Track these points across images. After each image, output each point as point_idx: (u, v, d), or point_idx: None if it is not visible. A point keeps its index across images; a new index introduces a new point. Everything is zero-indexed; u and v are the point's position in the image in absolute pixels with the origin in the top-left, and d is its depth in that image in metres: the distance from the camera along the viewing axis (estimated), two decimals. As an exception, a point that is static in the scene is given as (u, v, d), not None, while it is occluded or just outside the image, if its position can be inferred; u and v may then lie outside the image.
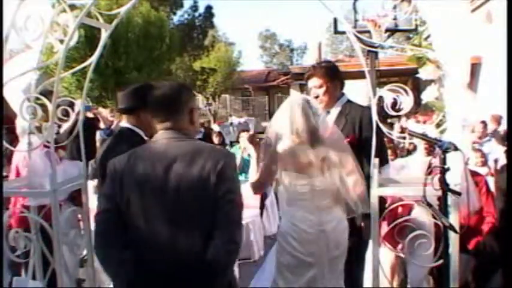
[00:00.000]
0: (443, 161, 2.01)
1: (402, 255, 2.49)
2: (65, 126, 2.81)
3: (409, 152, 6.19)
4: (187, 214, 1.83)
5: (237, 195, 1.88)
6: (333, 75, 2.93)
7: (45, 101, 2.43)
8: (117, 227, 1.88)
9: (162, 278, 1.84)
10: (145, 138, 2.68)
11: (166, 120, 1.93)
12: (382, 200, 2.44)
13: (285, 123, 2.51)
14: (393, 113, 2.34)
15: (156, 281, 1.85)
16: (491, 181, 3.92)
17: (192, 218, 1.83)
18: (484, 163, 5.75)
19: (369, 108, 2.75)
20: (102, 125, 8.31)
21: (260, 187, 2.71)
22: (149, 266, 1.85)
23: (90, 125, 7.31)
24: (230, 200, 1.84)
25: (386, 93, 2.30)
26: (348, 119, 2.86)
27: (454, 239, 2.17)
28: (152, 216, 1.84)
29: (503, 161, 5.55)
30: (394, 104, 2.30)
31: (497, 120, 7.51)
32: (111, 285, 2.07)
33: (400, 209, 2.62)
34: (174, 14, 21.52)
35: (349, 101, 2.98)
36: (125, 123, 2.71)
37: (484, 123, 7.14)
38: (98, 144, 6.16)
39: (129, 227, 1.88)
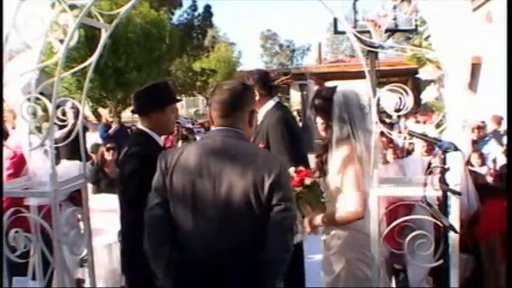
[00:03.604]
0: (443, 161, 2.01)
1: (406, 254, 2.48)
2: (63, 129, 2.82)
3: (409, 153, 6.20)
4: (237, 215, 1.82)
5: (291, 204, 1.87)
6: (255, 83, 3.07)
7: (45, 101, 2.43)
8: (167, 223, 1.89)
9: (206, 276, 1.83)
10: (159, 139, 2.71)
11: (225, 117, 1.91)
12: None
13: None
14: (393, 113, 2.34)
15: (199, 279, 1.84)
16: (490, 181, 3.93)
17: (241, 220, 1.82)
18: (483, 163, 5.76)
19: (276, 115, 3.09)
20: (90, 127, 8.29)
21: None
22: (194, 263, 1.84)
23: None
24: (284, 209, 1.82)
25: (387, 94, 2.30)
26: (262, 127, 3.06)
27: (454, 239, 2.17)
28: (200, 213, 1.84)
29: (502, 161, 5.56)
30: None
31: (498, 120, 7.51)
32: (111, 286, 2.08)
33: (399, 209, 2.62)
34: (173, 13, 21.53)
35: (274, 107, 3.16)
36: (139, 125, 2.73)
37: (482, 123, 7.14)
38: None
39: (176, 222, 1.88)
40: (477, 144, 6.53)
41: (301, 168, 2.63)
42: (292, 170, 2.63)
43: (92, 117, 15.69)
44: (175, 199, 1.87)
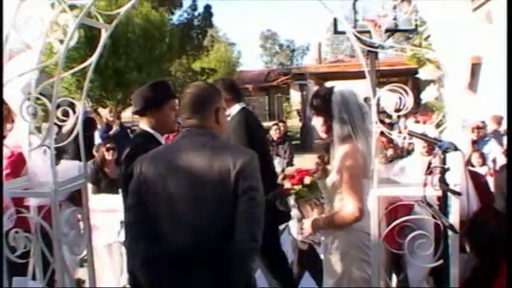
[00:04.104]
0: (443, 161, 2.01)
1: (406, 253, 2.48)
2: (67, 126, 2.83)
3: (409, 153, 6.19)
4: (208, 207, 1.87)
5: (258, 193, 1.90)
6: (223, 89, 3.21)
7: (45, 101, 2.43)
8: (144, 222, 1.95)
9: (180, 268, 1.88)
10: (162, 138, 2.71)
11: (191, 118, 2.00)
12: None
13: None
14: (393, 113, 2.34)
15: (174, 271, 1.90)
16: (490, 181, 3.93)
17: (213, 212, 1.87)
18: (483, 163, 5.76)
19: (237, 119, 3.44)
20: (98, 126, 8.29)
21: None
22: (169, 257, 1.90)
23: (90, 125, 7.35)
24: (251, 198, 1.86)
25: (387, 94, 2.30)
26: (227, 129, 3.18)
27: (454, 239, 2.17)
28: (174, 210, 1.90)
29: (501, 160, 5.56)
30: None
31: (498, 121, 7.52)
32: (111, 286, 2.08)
33: (399, 209, 2.62)
34: (173, 13, 21.52)
35: (239, 111, 3.49)
36: (142, 124, 2.73)
37: (482, 123, 7.14)
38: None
39: (154, 220, 1.94)
40: (477, 144, 6.54)
41: (301, 168, 2.64)
42: (292, 169, 2.63)
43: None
44: (151, 199, 1.94)
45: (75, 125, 2.68)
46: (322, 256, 2.69)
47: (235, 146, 2.07)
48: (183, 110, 2.04)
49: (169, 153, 2.00)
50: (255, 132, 3.52)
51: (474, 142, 6.45)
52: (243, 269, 1.88)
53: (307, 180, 2.59)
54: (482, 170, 5.25)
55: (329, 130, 2.49)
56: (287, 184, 2.65)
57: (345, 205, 2.38)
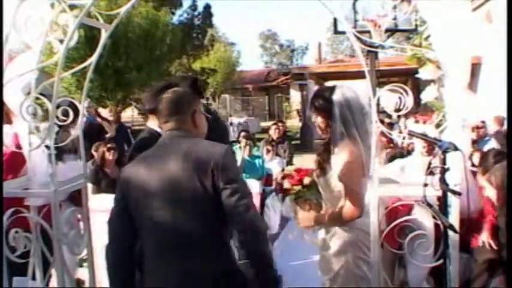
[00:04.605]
0: (443, 161, 2.01)
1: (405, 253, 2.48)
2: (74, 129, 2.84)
3: (409, 153, 6.19)
4: (190, 211, 1.85)
5: (239, 184, 1.88)
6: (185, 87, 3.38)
7: (45, 101, 2.43)
8: (124, 226, 1.96)
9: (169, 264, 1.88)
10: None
11: (168, 121, 2.00)
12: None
13: None
14: (393, 113, 2.34)
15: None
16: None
17: (193, 211, 1.85)
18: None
19: None
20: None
21: None
22: (159, 271, 1.90)
23: (100, 129, 7.39)
24: (233, 192, 1.83)
25: (387, 94, 2.30)
26: None
27: (454, 239, 2.17)
28: (157, 218, 1.88)
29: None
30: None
31: (500, 121, 7.51)
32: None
33: (399, 209, 2.62)
34: (173, 13, 21.52)
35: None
36: (150, 123, 2.75)
37: (482, 122, 7.13)
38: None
39: (139, 228, 1.95)
40: (477, 144, 6.53)
41: (301, 167, 2.64)
42: (292, 168, 2.63)
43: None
44: (134, 208, 1.94)
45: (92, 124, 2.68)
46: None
47: (208, 142, 2.01)
48: (160, 116, 2.05)
49: (149, 159, 1.98)
50: (214, 131, 3.46)
51: (474, 142, 6.45)
52: (262, 248, 1.86)
53: (307, 180, 2.60)
54: (481, 170, 5.25)
55: (328, 128, 2.49)
56: (286, 184, 2.64)
57: (346, 203, 2.39)
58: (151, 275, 1.93)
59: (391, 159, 4.41)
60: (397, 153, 4.70)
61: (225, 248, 1.92)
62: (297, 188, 2.59)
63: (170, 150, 1.93)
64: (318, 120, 2.53)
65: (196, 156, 1.87)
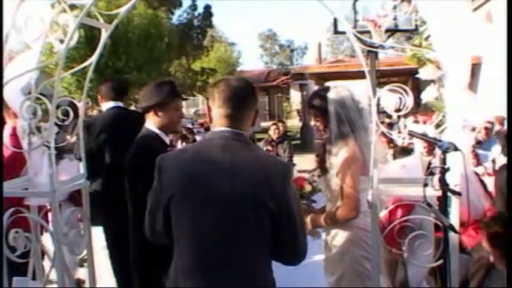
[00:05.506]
0: (443, 161, 2.01)
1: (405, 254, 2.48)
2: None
3: (409, 153, 6.19)
4: (237, 227, 1.67)
5: (297, 211, 1.72)
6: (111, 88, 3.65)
7: (45, 101, 2.43)
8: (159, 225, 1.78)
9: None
10: (167, 138, 2.70)
11: (233, 116, 1.73)
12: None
13: None
14: (393, 114, 2.34)
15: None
16: (488, 181, 3.94)
17: (243, 232, 1.67)
18: (477, 163, 5.76)
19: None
20: None
21: None
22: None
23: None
24: (289, 217, 1.68)
25: (387, 94, 2.30)
26: None
27: (454, 239, 2.17)
28: (197, 223, 1.69)
29: (501, 160, 5.56)
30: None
31: (501, 121, 7.51)
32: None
33: (399, 209, 2.62)
34: (173, 13, 21.52)
35: (110, 109, 3.62)
36: (147, 123, 2.70)
37: (490, 124, 7.09)
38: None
39: (173, 225, 1.74)
40: (483, 145, 6.54)
41: (300, 175, 2.63)
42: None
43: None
44: (170, 205, 1.73)
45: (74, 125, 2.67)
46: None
47: (271, 159, 1.81)
48: (223, 106, 1.73)
49: (200, 157, 1.73)
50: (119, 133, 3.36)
51: (478, 142, 6.45)
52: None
53: (308, 188, 2.58)
54: (477, 171, 5.25)
55: (326, 129, 2.51)
56: None
57: (342, 203, 2.40)
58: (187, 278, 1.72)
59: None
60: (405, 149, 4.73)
61: (266, 268, 1.76)
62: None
63: (229, 156, 1.68)
64: (316, 120, 2.56)
65: (263, 168, 1.68)
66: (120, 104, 3.66)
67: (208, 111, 1.82)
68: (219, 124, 1.76)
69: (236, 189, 1.64)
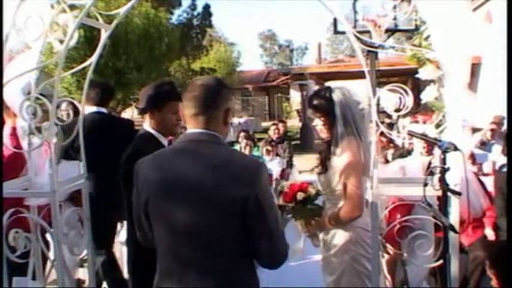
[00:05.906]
0: (443, 161, 2.01)
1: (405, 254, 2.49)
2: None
3: (409, 153, 6.19)
4: (211, 229, 1.66)
5: (272, 210, 1.71)
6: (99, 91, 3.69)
7: (45, 101, 2.43)
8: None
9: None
10: (164, 139, 2.69)
11: (199, 115, 1.72)
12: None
13: None
14: (393, 114, 2.34)
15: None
16: (486, 181, 3.95)
17: (217, 233, 1.66)
18: (473, 163, 5.78)
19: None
20: None
21: None
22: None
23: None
24: (263, 217, 1.65)
25: (387, 94, 2.30)
26: None
27: (454, 239, 2.17)
28: (172, 226, 1.69)
29: (501, 161, 5.57)
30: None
31: (500, 121, 7.50)
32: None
33: (399, 209, 2.63)
34: (172, 13, 21.52)
35: (94, 113, 3.60)
36: (145, 124, 2.70)
37: (496, 125, 7.07)
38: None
39: (153, 228, 1.76)
40: (487, 146, 6.54)
41: (295, 182, 2.62)
42: (287, 184, 2.60)
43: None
44: (146, 209, 1.74)
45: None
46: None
47: (243, 157, 1.79)
48: (188, 105, 1.74)
49: (172, 160, 1.73)
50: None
51: (483, 144, 6.46)
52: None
53: (300, 196, 2.54)
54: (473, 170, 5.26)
55: (330, 129, 2.49)
56: (281, 201, 2.59)
57: (346, 202, 2.40)
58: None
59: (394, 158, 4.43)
60: (403, 151, 4.73)
61: (246, 268, 1.74)
62: (291, 205, 2.55)
63: (201, 157, 1.68)
64: (318, 121, 2.54)
65: (232, 173, 1.65)
66: (102, 109, 3.68)
67: (183, 113, 1.83)
68: (189, 125, 1.76)
69: (208, 190, 1.63)
